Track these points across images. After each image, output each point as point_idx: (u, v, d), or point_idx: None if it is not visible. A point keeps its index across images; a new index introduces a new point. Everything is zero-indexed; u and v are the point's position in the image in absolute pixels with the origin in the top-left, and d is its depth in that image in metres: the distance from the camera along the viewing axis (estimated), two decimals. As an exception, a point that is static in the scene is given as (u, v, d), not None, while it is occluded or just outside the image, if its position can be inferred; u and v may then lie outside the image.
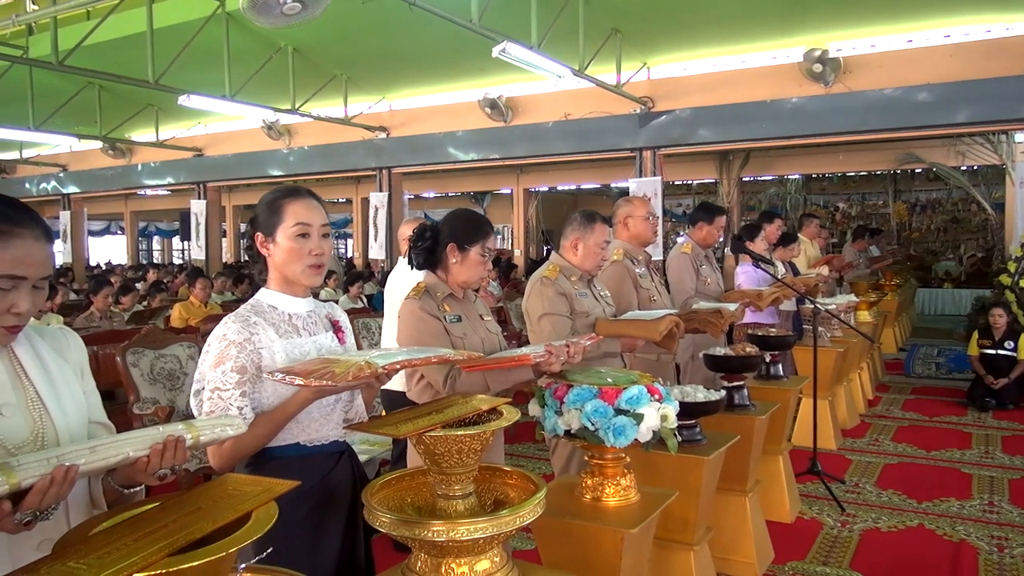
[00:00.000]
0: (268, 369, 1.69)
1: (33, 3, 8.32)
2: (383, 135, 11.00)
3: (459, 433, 1.50)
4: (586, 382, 2.12)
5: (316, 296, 2.00)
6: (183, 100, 8.24)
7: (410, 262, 2.50)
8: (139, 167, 13.89)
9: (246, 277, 9.96)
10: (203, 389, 1.73)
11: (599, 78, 7.95)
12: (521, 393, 2.41)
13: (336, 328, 1.91)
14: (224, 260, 14.84)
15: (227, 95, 8.41)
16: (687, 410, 2.61)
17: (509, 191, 16.15)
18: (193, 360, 4.37)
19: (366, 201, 13.26)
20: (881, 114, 7.64)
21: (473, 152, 10.33)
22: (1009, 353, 6.59)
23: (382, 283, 7.93)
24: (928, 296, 13.96)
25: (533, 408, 2.24)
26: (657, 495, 2.25)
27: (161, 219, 23.17)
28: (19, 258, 1.30)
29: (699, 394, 2.79)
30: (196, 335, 4.82)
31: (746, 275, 5.28)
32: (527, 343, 2.98)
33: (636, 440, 2.04)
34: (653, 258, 3.99)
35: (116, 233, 23.97)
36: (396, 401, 3.33)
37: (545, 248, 17.27)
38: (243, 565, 1.21)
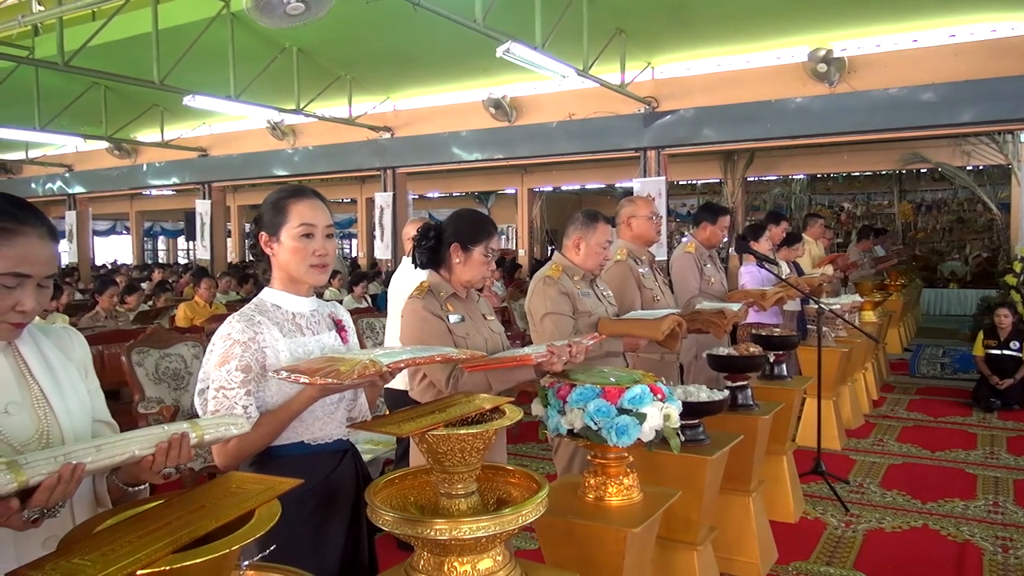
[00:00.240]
0: (272, 368, 1.70)
1: (39, 4, 8.36)
2: (387, 135, 11.02)
3: (462, 432, 1.50)
4: (589, 381, 2.12)
5: (320, 296, 2.00)
6: (188, 100, 8.27)
7: (414, 261, 2.51)
8: (144, 167, 13.93)
9: (251, 277, 9.98)
10: (208, 388, 1.74)
11: (603, 78, 7.95)
12: (524, 393, 2.42)
13: (339, 327, 1.92)
14: (229, 260, 14.88)
15: (232, 95, 8.44)
16: (690, 410, 2.61)
17: (513, 191, 16.16)
18: (198, 359, 4.38)
19: (371, 201, 13.30)
20: (886, 114, 7.62)
21: (477, 152, 10.34)
22: (1015, 353, 6.57)
23: (387, 283, 7.94)
24: (933, 296, 13.93)
25: (536, 407, 2.24)
26: (660, 495, 2.25)
27: (166, 219, 23.24)
28: (23, 256, 1.31)
29: (702, 394, 2.79)
30: (201, 335, 4.84)
31: (750, 275, 5.28)
32: (531, 343, 2.99)
33: (639, 440, 2.05)
34: (657, 258, 3.99)
35: (121, 233, 24.05)
36: (399, 400, 3.34)
37: (549, 248, 17.27)
38: (246, 562, 1.22)
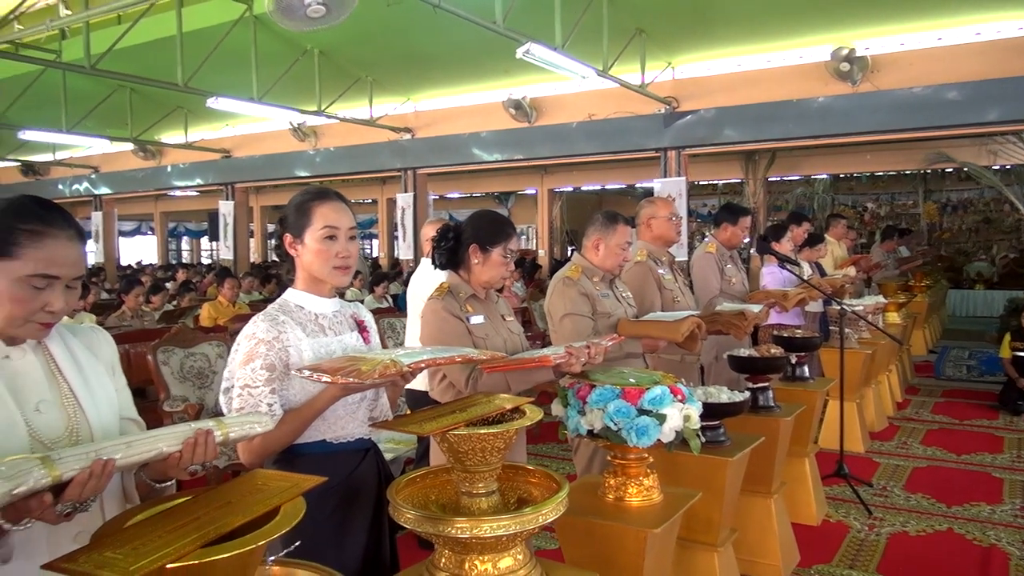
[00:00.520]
0: (295, 367, 1.72)
1: (66, 8, 8.50)
2: (408, 136, 11.07)
3: (482, 431, 1.51)
4: (609, 382, 2.12)
5: (342, 296, 2.03)
6: (211, 102, 8.37)
7: (434, 262, 2.53)
8: (169, 168, 14.10)
9: (273, 277, 10.08)
10: (233, 386, 1.76)
11: (623, 78, 7.93)
12: (544, 393, 2.43)
13: (361, 328, 1.94)
14: (252, 260, 15.02)
15: (254, 97, 8.52)
16: (711, 411, 2.61)
17: (533, 191, 16.16)
18: (222, 359, 4.44)
19: (391, 202, 13.36)
20: (910, 113, 7.53)
21: (497, 153, 10.36)
22: (1042, 356, 6.48)
23: (407, 283, 7.98)
24: (959, 297, 13.74)
25: (556, 408, 2.25)
26: (681, 495, 2.25)
27: (190, 219, 23.50)
28: (52, 258, 1.34)
29: (723, 395, 2.78)
30: (224, 334, 4.89)
31: (771, 276, 5.25)
32: (551, 343, 3.00)
33: (659, 440, 2.05)
34: (677, 259, 3.98)
35: (146, 233, 24.37)
36: (419, 400, 3.36)
37: (569, 248, 17.26)
38: (272, 558, 1.24)
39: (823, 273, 6.06)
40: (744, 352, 3.51)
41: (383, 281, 8.83)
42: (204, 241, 25.97)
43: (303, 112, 9.74)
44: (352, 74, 9.92)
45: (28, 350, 1.41)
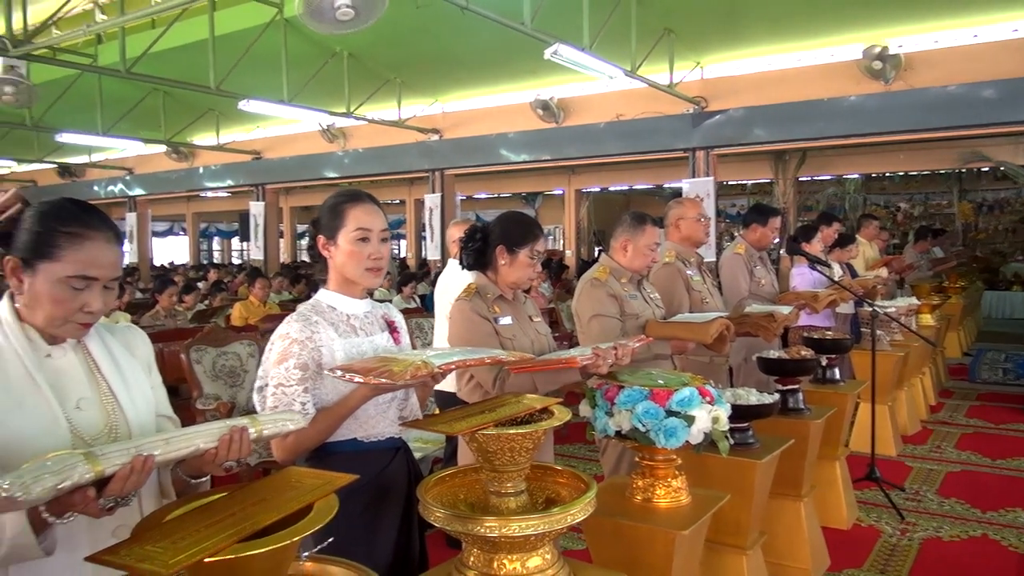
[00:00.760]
0: (328, 366, 1.75)
1: (102, 13, 8.68)
2: (436, 137, 11.13)
3: (511, 432, 1.52)
4: (637, 383, 2.12)
5: (371, 295, 2.06)
6: (243, 105, 8.50)
7: (461, 263, 2.55)
8: (200, 170, 14.32)
9: (303, 277, 10.19)
10: (266, 385, 1.80)
11: (651, 78, 7.90)
12: (572, 394, 2.43)
13: (392, 328, 1.97)
14: (281, 260, 15.19)
15: (284, 99, 8.63)
16: (740, 413, 2.59)
17: (561, 192, 16.15)
18: (253, 358, 4.50)
19: (419, 202, 13.43)
20: (945, 112, 7.41)
21: (525, 153, 10.37)
22: (1081, 359, 6.34)
23: (435, 283, 8.02)
24: (995, 299, 13.47)
25: (584, 409, 2.25)
26: (709, 497, 2.24)
27: (221, 220, 23.82)
28: (91, 260, 1.38)
29: (752, 397, 2.76)
30: (255, 333, 4.96)
31: (801, 277, 5.20)
32: (578, 344, 3.00)
33: (687, 442, 2.04)
34: (705, 260, 3.96)
35: (178, 234, 24.75)
36: (448, 401, 3.39)
37: (597, 249, 17.21)
38: (305, 554, 1.26)
39: (854, 274, 5.98)
40: (774, 354, 3.48)
41: (411, 281, 8.89)
42: (235, 241, 26.30)
43: (332, 114, 9.85)
44: (381, 76, 10.00)
45: (69, 349, 1.45)
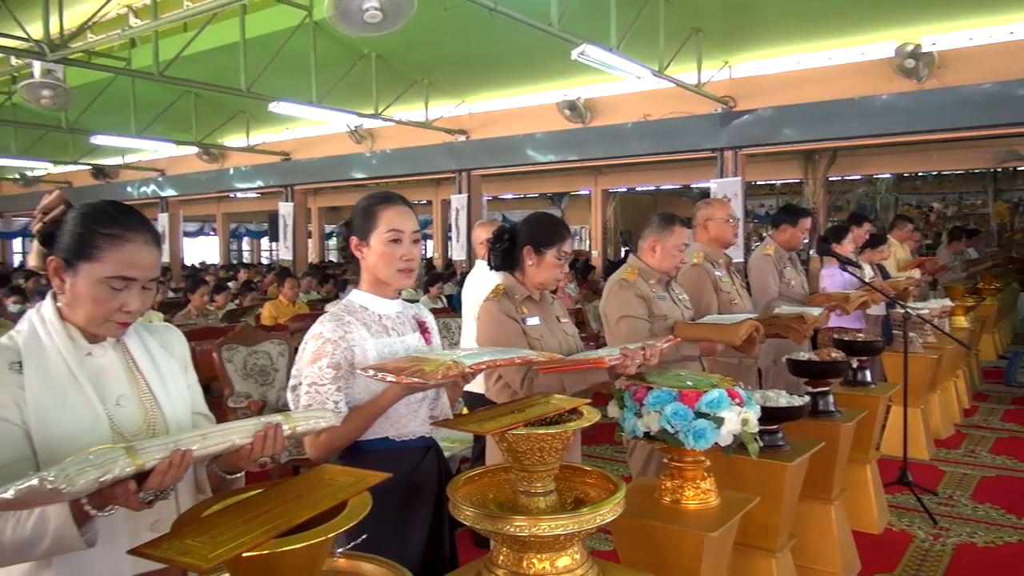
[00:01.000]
0: (360, 366, 1.77)
1: (136, 17, 8.83)
2: (463, 138, 11.17)
3: (541, 432, 1.53)
4: (665, 384, 2.12)
5: (399, 295, 2.08)
6: (273, 107, 8.60)
7: (489, 264, 2.56)
8: (231, 171, 14.51)
9: (331, 277, 10.28)
10: (300, 384, 1.82)
11: (679, 78, 7.87)
12: (599, 395, 2.43)
13: (423, 329, 1.99)
14: (309, 260, 15.34)
15: (313, 101, 8.72)
16: (769, 415, 2.58)
17: (587, 192, 16.12)
18: (283, 357, 4.55)
19: (446, 203, 13.48)
20: (979, 110, 7.27)
21: (551, 154, 10.37)
22: (1121, 362, 6.19)
23: (461, 283, 8.05)
24: (1032, 301, 13.17)
25: (612, 410, 2.25)
26: (738, 499, 2.23)
27: (250, 220, 24.12)
28: (130, 261, 1.41)
29: (782, 399, 2.74)
30: (285, 333, 5.02)
31: (831, 278, 5.14)
32: (605, 345, 3.00)
33: (716, 444, 2.04)
34: (734, 260, 3.94)
35: (209, 234, 25.10)
36: (476, 402, 3.40)
37: (623, 249, 17.15)
38: (339, 550, 1.28)
39: (885, 275, 5.90)
40: (804, 356, 3.45)
41: (438, 281, 8.92)
42: (264, 241, 26.61)
43: (360, 115, 9.93)
44: (408, 77, 10.06)
45: (109, 347, 1.48)
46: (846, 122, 7.98)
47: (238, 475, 1.51)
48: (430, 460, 1.95)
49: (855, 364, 4.09)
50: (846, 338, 4.07)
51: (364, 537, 1.32)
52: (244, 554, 1.01)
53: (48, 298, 1.46)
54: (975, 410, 6.64)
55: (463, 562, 1.81)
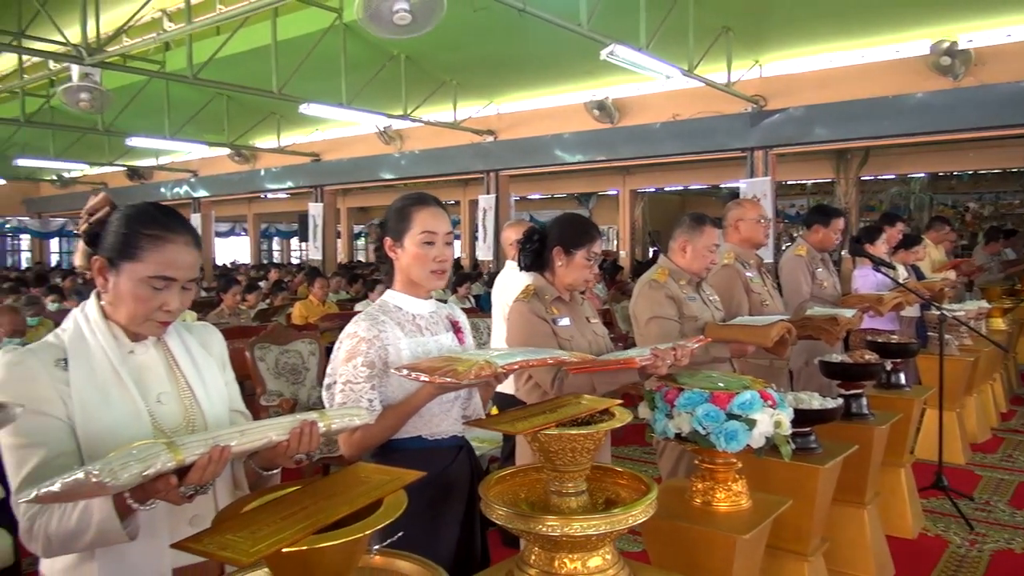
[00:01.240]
0: (394, 365, 1.79)
1: (170, 20, 8.98)
2: (491, 138, 11.19)
3: (573, 432, 1.53)
4: (697, 386, 2.11)
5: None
6: (303, 108, 8.70)
7: (519, 264, 2.57)
8: (262, 172, 14.70)
9: (359, 277, 10.36)
10: (335, 382, 1.84)
11: (709, 77, 7.81)
12: (627, 395, 2.43)
13: (456, 328, 2.00)
14: (338, 260, 15.47)
15: (343, 103, 8.80)
16: (802, 417, 2.55)
17: (615, 192, 16.07)
18: (314, 356, 4.60)
19: (473, 203, 13.53)
20: (1017, 108, 7.13)
21: (580, 154, 10.36)
22: None
23: (489, 284, 8.06)
24: (1071, 303, 12.86)
25: (643, 411, 2.25)
26: (770, 502, 2.22)
27: (280, 221, 24.39)
28: (170, 261, 1.44)
29: (814, 401, 2.71)
30: (316, 332, 5.07)
31: (864, 279, 5.07)
32: (633, 346, 2.99)
33: (748, 446, 2.02)
34: (764, 261, 3.90)
35: (240, 234, 25.43)
36: (506, 402, 3.41)
37: (651, 250, 17.06)
38: (376, 547, 1.30)
39: (920, 276, 5.80)
40: (836, 357, 3.41)
41: (466, 282, 8.95)
42: (293, 241, 26.89)
43: (389, 116, 10.00)
44: (437, 78, 10.11)
45: (150, 346, 1.51)
46: (880, 121, 7.87)
47: (274, 471, 1.53)
48: (462, 459, 1.97)
49: (889, 366, 4.03)
50: (880, 340, 4.01)
51: (400, 535, 1.33)
52: (283, 549, 1.03)
53: (92, 297, 1.50)
54: (1012, 414, 6.51)
55: (494, 562, 1.81)
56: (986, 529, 4.01)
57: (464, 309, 7.48)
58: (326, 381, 1.88)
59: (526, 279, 2.59)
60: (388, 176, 12.66)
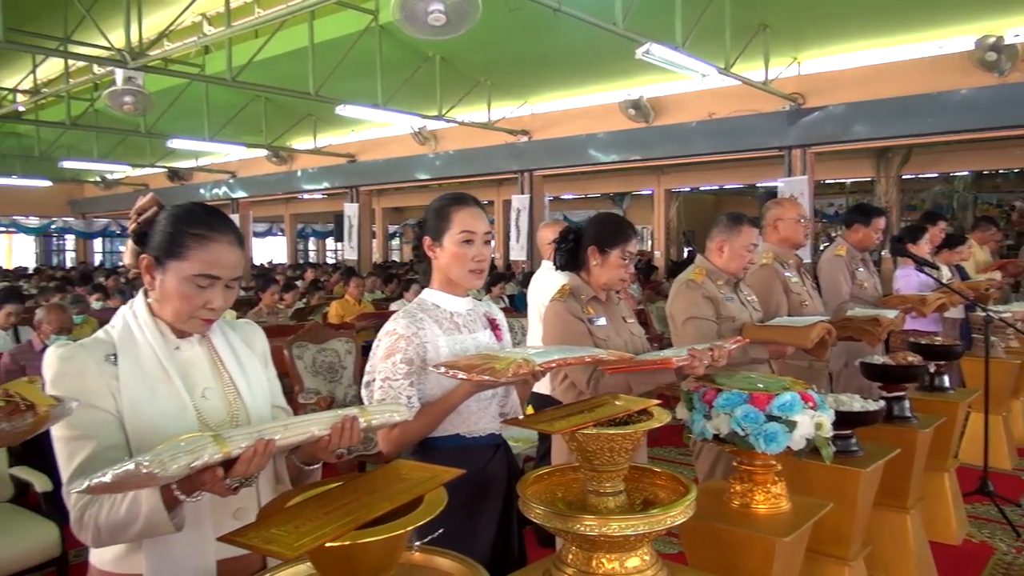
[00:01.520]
0: (432, 362, 1.80)
1: (209, 24, 9.15)
2: (525, 138, 11.20)
3: (611, 432, 1.53)
4: (735, 387, 2.09)
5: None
6: (340, 109, 8.79)
7: (555, 264, 2.57)
8: (298, 173, 14.88)
9: (395, 277, 10.44)
10: (374, 380, 1.86)
11: (746, 75, 7.73)
12: (662, 395, 2.41)
13: (494, 326, 2.01)
14: (373, 260, 15.61)
15: (379, 104, 8.87)
16: (843, 419, 2.51)
17: (650, 192, 15.97)
18: (351, 354, 4.65)
19: (507, 203, 13.55)
20: (1068, 104, 6.94)
21: (614, 153, 10.31)
22: None
23: (523, 284, 8.07)
24: (1122, 304, 12.47)
25: (681, 411, 2.23)
26: (810, 505, 2.18)
27: (316, 221, 24.68)
28: (215, 260, 1.47)
29: (856, 403, 2.67)
30: (352, 331, 5.12)
31: (906, 279, 4.97)
32: (669, 346, 2.97)
33: (788, 448, 2.00)
34: (804, 261, 3.85)
35: (276, 234, 25.80)
36: (541, 401, 3.41)
37: (686, 249, 16.92)
38: (417, 543, 1.31)
39: (964, 277, 5.67)
40: (878, 359, 3.34)
41: (500, 281, 8.97)
42: (329, 241, 27.19)
43: (424, 117, 10.05)
44: (471, 78, 10.15)
45: (195, 342, 1.55)
46: (922, 118, 7.71)
47: (316, 466, 1.55)
48: (499, 458, 1.97)
49: (932, 368, 3.94)
50: (923, 342, 3.93)
51: (440, 532, 1.34)
52: (327, 544, 1.05)
53: (140, 295, 1.53)
54: (1061, 419, 6.32)
55: (530, 561, 1.82)
56: (1033, 536, 3.90)
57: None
58: (365, 378, 1.89)
59: (562, 279, 2.59)
60: (423, 176, 12.73)
